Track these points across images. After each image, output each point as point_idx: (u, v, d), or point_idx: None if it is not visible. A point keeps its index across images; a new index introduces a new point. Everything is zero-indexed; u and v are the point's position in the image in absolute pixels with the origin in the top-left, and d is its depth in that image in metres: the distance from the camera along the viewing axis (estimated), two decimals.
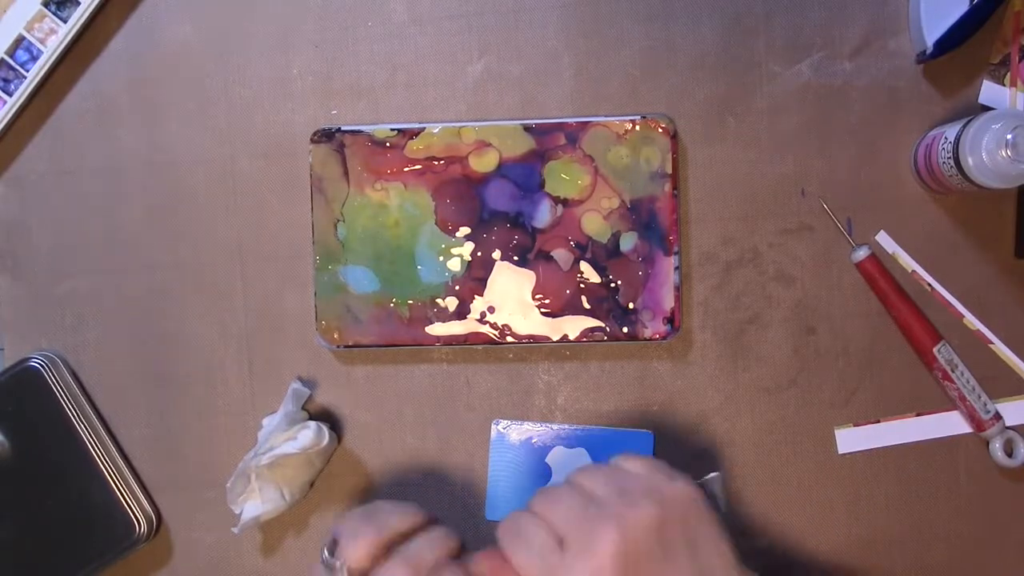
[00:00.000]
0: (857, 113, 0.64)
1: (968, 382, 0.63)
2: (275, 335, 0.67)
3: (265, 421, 0.65)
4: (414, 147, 0.64)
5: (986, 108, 0.63)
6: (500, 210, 0.64)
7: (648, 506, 0.48)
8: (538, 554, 0.49)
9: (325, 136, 0.64)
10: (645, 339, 0.63)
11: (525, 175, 0.64)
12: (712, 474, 0.53)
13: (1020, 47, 0.63)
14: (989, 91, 0.63)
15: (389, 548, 0.52)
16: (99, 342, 0.68)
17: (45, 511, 0.65)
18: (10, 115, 0.66)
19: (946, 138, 0.58)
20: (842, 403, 0.65)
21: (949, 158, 0.57)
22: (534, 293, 0.64)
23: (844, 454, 0.65)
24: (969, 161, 0.55)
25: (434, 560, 0.52)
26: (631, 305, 0.63)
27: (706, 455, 0.66)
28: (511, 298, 0.64)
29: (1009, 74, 0.63)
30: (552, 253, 0.64)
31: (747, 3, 0.64)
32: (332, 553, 0.52)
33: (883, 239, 0.64)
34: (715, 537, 0.49)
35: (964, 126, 0.56)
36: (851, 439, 0.65)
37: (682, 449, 0.66)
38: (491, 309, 0.64)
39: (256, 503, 0.63)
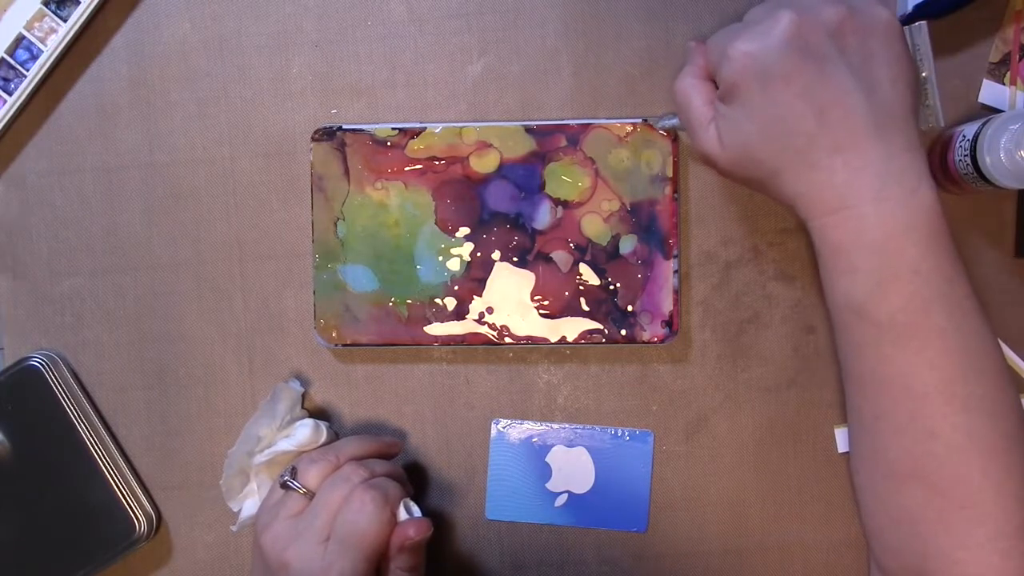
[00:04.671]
0: None
1: None
2: (275, 334, 0.67)
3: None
4: (415, 147, 0.64)
5: (986, 107, 0.63)
6: (500, 211, 0.64)
7: (836, 9, 0.50)
8: (726, 30, 0.54)
9: (326, 135, 0.64)
10: (643, 342, 0.63)
11: (526, 176, 0.64)
12: (917, 23, 0.53)
13: (1020, 46, 0.63)
14: (989, 90, 0.63)
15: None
16: (99, 342, 0.68)
17: (45, 511, 0.65)
18: (10, 115, 0.66)
19: (964, 136, 0.58)
20: (842, 402, 0.65)
21: (966, 156, 0.57)
22: (533, 294, 0.64)
23: (844, 453, 0.65)
24: (987, 160, 0.55)
25: (383, 471, 0.60)
26: (630, 308, 0.63)
27: None
28: (510, 299, 0.64)
29: (1009, 73, 0.63)
30: (551, 255, 0.64)
31: (747, 2, 0.64)
32: (293, 478, 0.59)
33: None
34: (895, 61, 0.50)
35: (982, 125, 0.56)
36: None
37: (683, 448, 0.66)
38: (490, 310, 0.64)
39: (255, 501, 0.63)
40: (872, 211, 0.49)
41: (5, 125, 0.66)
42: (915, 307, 0.49)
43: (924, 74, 0.53)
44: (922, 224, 0.49)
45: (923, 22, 0.52)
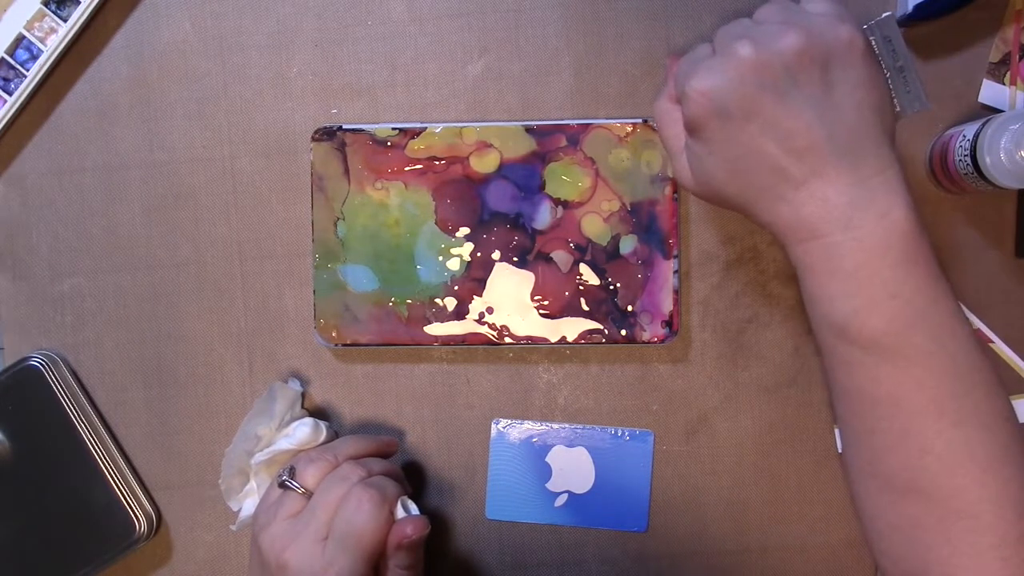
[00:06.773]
0: None
1: None
2: (275, 334, 0.67)
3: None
4: (415, 146, 0.64)
5: (986, 107, 0.63)
6: (500, 211, 0.64)
7: (793, 37, 0.48)
8: (692, 56, 0.53)
9: (326, 134, 0.64)
10: (643, 342, 0.63)
11: (526, 176, 0.64)
12: (883, 15, 0.51)
13: (1020, 46, 0.63)
14: (989, 90, 0.63)
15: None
16: (99, 342, 0.68)
17: (45, 511, 0.65)
18: (10, 115, 0.66)
19: (964, 136, 0.58)
20: None
21: (966, 156, 0.57)
22: (533, 294, 0.64)
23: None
24: (987, 160, 0.55)
25: (380, 470, 0.60)
26: (630, 308, 0.63)
27: None
28: (510, 299, 0.64)
29: (1009, 73, 0.63)
30: (552, 255, 0.64)
31: (747, 2, 0.64)
32: (291, 478, 0.59)
33: None
34: (858, 84, 0.49)
35: (983, 125, 0.56)
36: None
37: (683, 448, 0.66)
38: (490, 310, 0.64)
39: (255, 500, 0.63)
40: (843, 239, 0.48)
41: (5, 125, 0.66)
42: (897, 330, 0.48)
43: (899, 63, 0.52)
44: (897, 247, 0.48)
45: (890, 12, 0.52)
